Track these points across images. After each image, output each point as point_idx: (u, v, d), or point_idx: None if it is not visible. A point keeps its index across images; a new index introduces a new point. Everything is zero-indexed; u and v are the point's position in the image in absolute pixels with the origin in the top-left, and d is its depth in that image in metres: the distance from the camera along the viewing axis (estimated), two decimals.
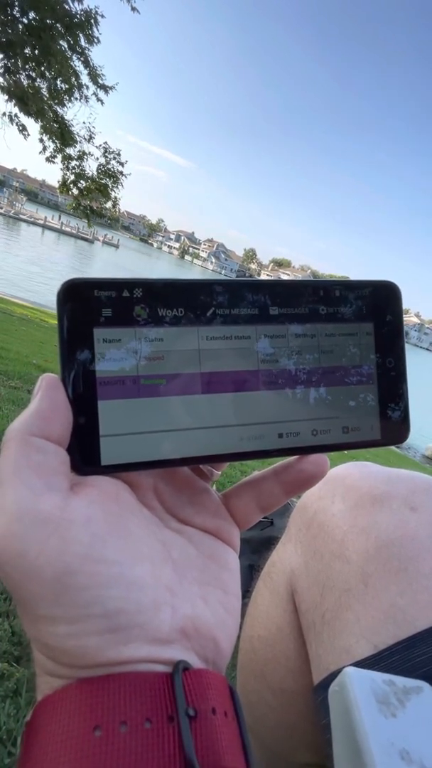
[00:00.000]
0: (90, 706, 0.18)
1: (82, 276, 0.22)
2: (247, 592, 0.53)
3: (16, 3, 6.44)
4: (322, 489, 0.45)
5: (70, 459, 0.21)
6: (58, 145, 8.06)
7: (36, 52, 6.86)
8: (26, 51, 6.85)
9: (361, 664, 0.32)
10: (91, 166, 8.56)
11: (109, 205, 9.21)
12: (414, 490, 0.40)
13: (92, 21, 6.93)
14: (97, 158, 8.57)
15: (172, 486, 0.25)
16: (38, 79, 7.27)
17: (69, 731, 0.17)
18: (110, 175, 8.69)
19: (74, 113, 8.22)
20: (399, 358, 0.25)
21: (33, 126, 7.66)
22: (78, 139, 8.16)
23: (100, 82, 7.55)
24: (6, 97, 7.14)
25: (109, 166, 8.68)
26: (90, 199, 8.86)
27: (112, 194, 8.88)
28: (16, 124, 7.49)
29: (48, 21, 6.62)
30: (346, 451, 0.25)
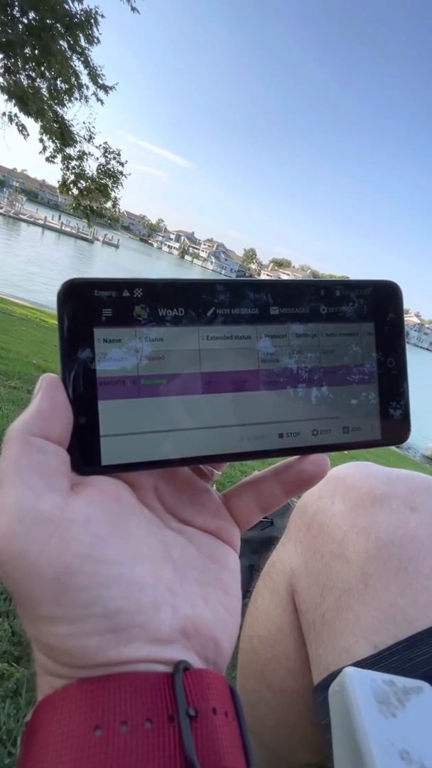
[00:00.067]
0: (90, 705, 0.18)
1: (82, 276, 0.22)
2: (247, 592, 0.53)
3: (16, 3, 6.44)
4: (322, 489, 0.45)
5: (71, 459, 0.21)
6: (58, 145, 8.06)
7: (36, 52, 6.86)
8: (26, 51, 6.85)
9: (361, 664, 0.33)
10: (91, 166, 8.58)
11: (109, 205, 9.22)
12: (414, 490, 0.40)
13: (92, 21, 6.93)
14: (97, 158, 8.58)
15: (172, 486, 0.25)
16: (38, 79, 7.27)
17: (69, 731, 0.17)
18: (110, 175, 8.69)
19: (74, 113, 8.23)
20: (400, 358, 0.25)
21: (33, 126, 7.67)
22: (78, 139, 8.16)
23: (100, 82, 7.56)
24: (6, 97, 7.14)
25: (109, 166, 8.68)
26: (90, 199, 8.87)
27: (112, 194, 8.88)
28: (16, 124, 7.49)
29: (48, 21, 6.62)
30: (346, 451, 0.26)
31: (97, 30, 7.07)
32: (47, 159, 8.24)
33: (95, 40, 7.13)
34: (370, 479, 0.43)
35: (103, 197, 8.87)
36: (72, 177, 8.49)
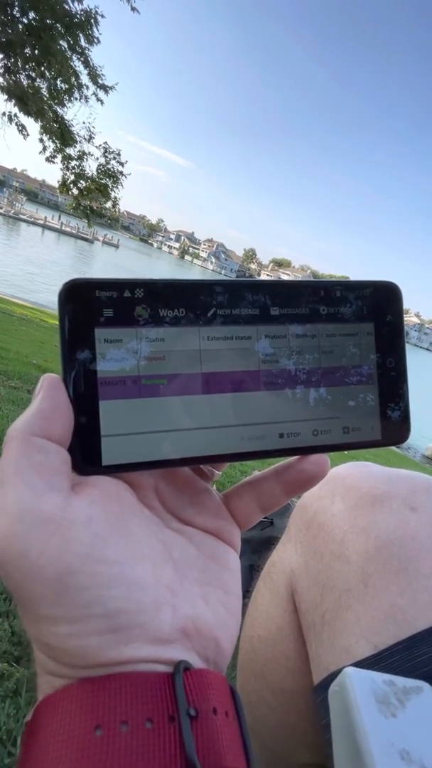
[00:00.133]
0: (91, 705, 0.18)
1: (83, 276, 0.22)
2: (247, 592, 0.53)
3: (16, 3, 6.44)
4: (322, 489, 0.45)
5: (72, 459, 0.21)
6: (58, 145, 8.06)
7: (36, 52, 6.86)
8: (26, 51, 6.85)
9: (361, 664, 0.33)
10: (91, 166, 8.58)
11: (109, 205, 9.22)
12: (414, 490, 0.40)
13: (92, 21, 6.93)
14: (97, 158, 8.58)
15: (172, 486, 0.25)
16: (38, 79, 7.28)
17: (70, 731, 0.17)
18: (110, 175, 8.69)
19: (74, 113, 8.23)
20: (399, 359, 0.26)
21: (33, 126, 7.67)
22: (78, 139, 8.16)
23: (100, 82, 7.56)
24: (6, 97, 7.14)
25: (109, 166, 8.68)
26: (90, 199, 8.87)
27: (112, 194, 8.88)
28: (16, 123, 7.49)
29: (48, 21, 6.62)
30: (346, 451, 0.26)
31: (97, 30, 7.07)
32: (47, 159, 8.24)
33: (95, 40, 7.13)
34: (370, 479, 0.43)
35: (103, 197, 8.87)
36: (72, 177, 8.49)
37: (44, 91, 7.44)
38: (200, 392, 0.23)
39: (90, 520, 0.19)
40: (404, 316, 0.27)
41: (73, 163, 8.40)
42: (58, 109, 7.69)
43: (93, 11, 6.90)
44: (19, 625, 0.79)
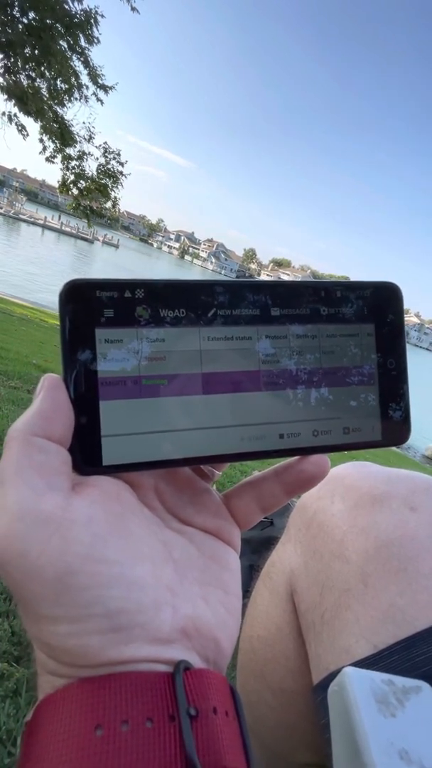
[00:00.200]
0: (91, 705, 0.18)
1: (83, 276, 0.22)
2: (247, 592, 0.53)
3: (16, 3, 6.44)
4: (321, 489, 0.45)
5: (72, 459, 0.21)
6: (58, 145, 8.06)
7: (36, 52, 6.86)
8: (26, 51, 6.85)
9: (361, 663, 0.33)
10: (91, 166, 8.58)
11: (108, 205, 9.22)
12: (414, 490, 0.40)
13: (92, 21, 6.93)
14: (97, 158, 8.58)
15: (173, 486, 0.25)
16: (38, 79, 7.27)
17: (70, 730, 0.17)
18: (110, 175, 8.70)
19: (74, 113, 8.23)
20: (400, 359, 0.26)
21: (33, 126, 7.67)
22: (78, 139, 8.17)
23: (100, 82, 7.56)
24: (6, 96, 7.14)
25: (109, 166, 8.68)
26: (90, 199, 8.87)
27: (112, 194, 8.89)
28: (16, 123, 7.49)
29: (48, 21, 6.62)
30: (346, 452, 0.26)
31: (97, 30, 7.07)
32: (47, 159, 8.25)
33: (95, 40, 7.13)
34: (370, 479, 0.43)
35: (103, 197, 8.87)
36: (72, 177, 8.49)
37: (44, 91, 7.44)
38: (200, 392, 0.23)
39: (90, 520, 0.19)
40: (404, 316, 0.27)
41: (73, 163, 8.41)
42: (58, 109, 7.70)
43: (93, 11, 6.90)
44: (19, 625, 0.79)
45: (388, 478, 0.42)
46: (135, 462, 0.22)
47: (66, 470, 0.20)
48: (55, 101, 7.55)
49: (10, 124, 7.49)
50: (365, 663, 0.32)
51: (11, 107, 7.33)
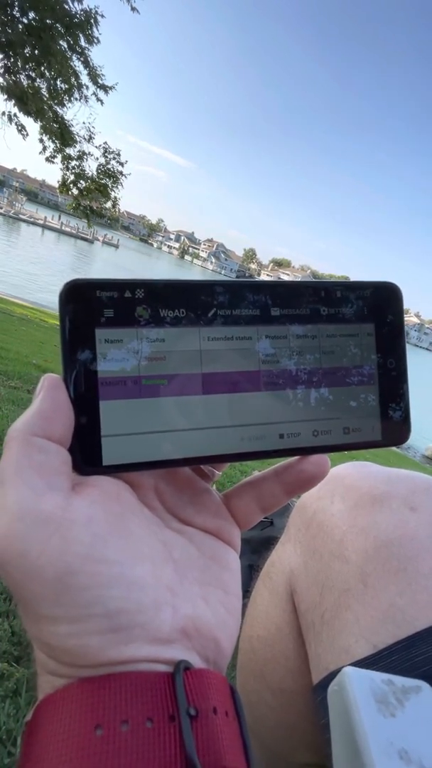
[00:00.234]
0: (91, 705, 0.18)
1: (83, 276, 0.22)
2: (247, 592, 0.53)
3: (16, 3, 6.44)
4: (321, 489, 0.45)
5: (72, 459, 0.21)
6: (58, 145, 8.06)
7: (36, 52, 6.86)
8: (26, 51, 6.85)
9: (361, 663, 0.33)
10: (91, 166, 8.58)
11: (108, 205, 9.22)
12: (414, 490, 0.40)
13: (92, 21, 6.93)
14: (97, 158, 8.58)
15: (173, 486, 0.25)
16: (38, 79, 7.28)
17: (70, 730, 0.17)
18: (110, 175, 8.70)
19: (74, 113, 8.23)
20: (400, 359, 0.26)
21: (33, 126, 7.67)
22: (78, 139, 8.16)
23: (100, 82, 7.56)
24: (6, 96, 7.14)
25: (109, 166, 8.68)
26: (90, 199, 8.87)
27: (112, 194, 8.89)
28: (16, 123, 7.49)
29: (48, 21, 6.62)
30: (346, 452, 0.26)
31: (97, 30, 7.07)
32: (47, 159, 8.25)
33: (95, 40, 7.13)
34: (370, 479, 0.43)
35: (103, 197, 8.87)
36: (72, 177, 8.49)
37: (44, 91, 7.44)
38: (200, 392, 0.23)
39: (90, 520, 0.19)
40: (404, 316, 0.27)
41: (73, 163, 8.41)
42: (58, 109, 7.70)
43: (93, 11, 6.90)
44: (19, 625, 0.79)
45: (388, 478, 0.42)
46: (135, 462, 0.22)
47: (66, 470, 0.20)
48: (55, 101, 7.55)
49: (10, 124, 7.49)
50: (365, 663, 0.32)
51: (11, 107, 7.34)
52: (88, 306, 0.21)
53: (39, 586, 0.18)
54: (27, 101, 7.10)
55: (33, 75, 7.20)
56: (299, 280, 0.26)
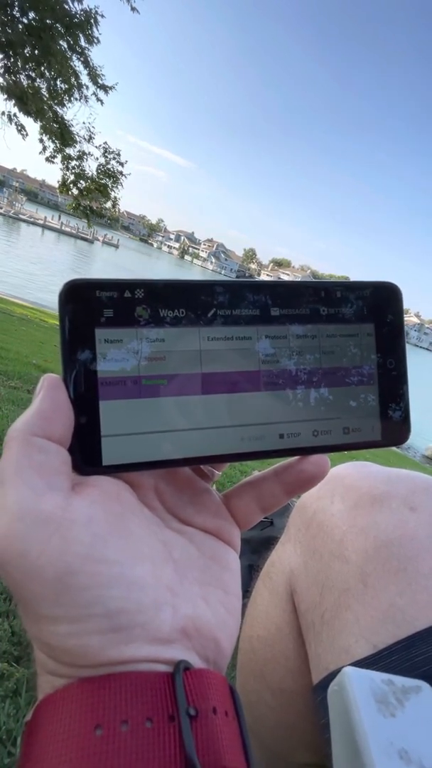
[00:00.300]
0: (91, 705, 0.18)
1: (83, 276, 0.22)
2: (246, 592, 0.53)
3: (16, 3, 6.44)
4: (321, 489, 0.45)
5: (72, 459, 0.21)
6: (58, 145, 8.06)
7: (36, 52, 6.86)
8: (26, 51, 6.85)
9: (361, 663, 0.33)
10: (90, 166, 8.58)
11: (108, 205, 9.22)
12: (414, 490, 0.40)
13: (92, 21, 6.93)
14: (97, 158, 8.58)
15: (173, 486, 0.25)
16: (38, 79, 7.27)
17: (70, 730, 0.17)
18: (110, 175, 8.70)
19: (74, 113, 8.23)
20: (400, 359, 0.26)
21: (33, 126, 7.67)
22: (78, 139, 8.17)
23: (100, 82, 7.56)
24: (6, 96, 7.14)
25: (109, 166, 8.68)
26: (90, 199, 8.87)
27: (112, 194, 8.89)
28: (15, 123, 7.49)
29: (48, 21, 6.62)
30: (346, 452, 0.26)
31: (97, 30, 7.07)
32: (47, 159, 8.25)
33: (95, 40, 7.13)
34: (370, 479, 0.43)
35: (103, 197, 8.87)
36: (72, 177, 8.49)
37: (44, 91, 7.44)
38: (200, 392, 0.23)
39: (90, 520, 0.19)
40: (404, 316, 0.27)
41: (73, 163, 8.41)
42: (58, 109, 7.70)
43: (93, 11, 6.90)
44: (19, 625, 0.79)
45: (388, 478, 0.42)
46: (135, 462, 0.22)
47: (66, 470, 0.20)
48: (55, 101, 7.55)
49: (10, 124, 7.49)
50: (365, 663, 0.32)
51: (11, 107, 7.34)
52: (88, 306, 0.21)
53: (39, 586, 0.18)
54: (27, 101, 7.10)
55: (33, 75, 7.20)
56: (299, 280, 0.26)
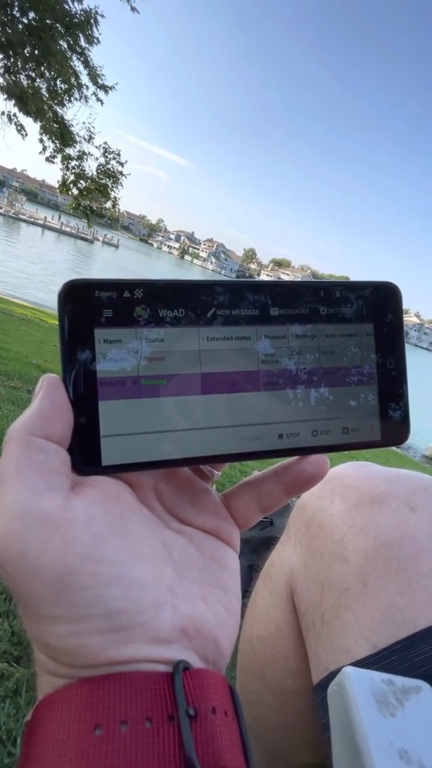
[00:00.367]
0: (91, 705, 0.18)
1: (83, 276, 0.22)
2: (246, 592, 0.53)
3: (16, 3, 6.44)
4: (321, 489, 0.45)
5: (71, 459, 0.21)
6: (58, 145, 8.06)
7: (36, 52, 6.86)
8: (26, 51, 6.85)
9: (361, 663, 0.33)
10: (90, 166, 8.58)
11: (108, 205, 9.22)
12: (413, 490, 0.40)
13: (92, 21, 6.93)
14: (97, 158, 8.58)
15: (172, 486, 0.25)
16: (38, 79, 7.27)
17: (70, 730, 0.17)
18: (110, 175, 8.69)
19: (74, 113, 8.23)
20: (399, 359, 0.26)
21: (33, 126, 7.67)
22: (78, 139, 8.16)
23: (100, 82, 7.56)
24: (6, 96, 7.14)
25: (109, 166, 8.68)
26: (90, 199, 8.87)
27: (112, 194, 8.88)
28: (15, 123, 7.49)
29: (48, 21, 6.62)
30: (345, 452, 0.26)
31: (97, 30, 7.07)
32: (47, 159, 8.25)
33: (95, 40, 7.13)
34: (370, 479, 0.43)
35: (103, 197, 8.87)
36: (72, 177, 8.49)
37: (44, 91, 7.44)
38: (200, 392, 0.23)
39: (90, 520, 0.19)
40: (404, 316, 0.27)
41: (73, 163, 8.40)
42: (58, 109, 7.70)
43: (93, 11, 6.90)
44: (19, 625, 0.79)
45: (388, 478, 0.42)
46: (134, 462, 0.22)
47: (65, 470, 0.20)
48: (55, 101, 7.54)
49: (10, 124, 7.49)
50: (365, 663, 0.32)
51: (11, 107, 7.34)
52: (87, 306, 0.21)
53: (39, 586, 0.18)
54: (27, 101, 7.10)
55: (33, 75, 7.20)
56: (299, 280, 0.26)
